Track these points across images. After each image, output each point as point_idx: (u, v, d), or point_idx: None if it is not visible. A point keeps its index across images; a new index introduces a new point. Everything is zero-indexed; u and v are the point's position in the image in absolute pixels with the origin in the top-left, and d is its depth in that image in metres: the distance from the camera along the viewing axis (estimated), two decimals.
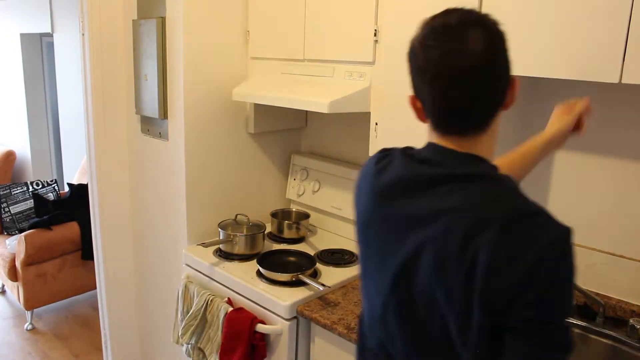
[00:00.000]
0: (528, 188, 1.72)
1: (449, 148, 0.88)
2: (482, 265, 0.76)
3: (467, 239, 0.78)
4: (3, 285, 3.73)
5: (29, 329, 3.25)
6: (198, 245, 1.93)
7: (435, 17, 0.86)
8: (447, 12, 0.86)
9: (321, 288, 1.63)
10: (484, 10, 1.35)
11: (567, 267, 0.78)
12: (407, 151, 0.96)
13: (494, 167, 0.89)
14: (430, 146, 0.92)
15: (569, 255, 0.77)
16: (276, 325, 1.64)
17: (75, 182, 3.69)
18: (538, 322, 0.76)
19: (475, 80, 0.82)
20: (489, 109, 0.86)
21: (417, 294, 0.86)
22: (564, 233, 0.78)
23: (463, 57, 0.81)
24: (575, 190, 1.59)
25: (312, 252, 1.94)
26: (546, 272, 0.75)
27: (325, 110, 1.60)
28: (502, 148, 1.58)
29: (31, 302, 3.17)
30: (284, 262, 1.88)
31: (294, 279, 1.71)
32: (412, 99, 0.93)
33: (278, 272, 1.73)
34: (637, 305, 1.49)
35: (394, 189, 0.91)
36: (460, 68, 0.81)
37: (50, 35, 4.21)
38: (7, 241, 3.33)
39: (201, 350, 1.83)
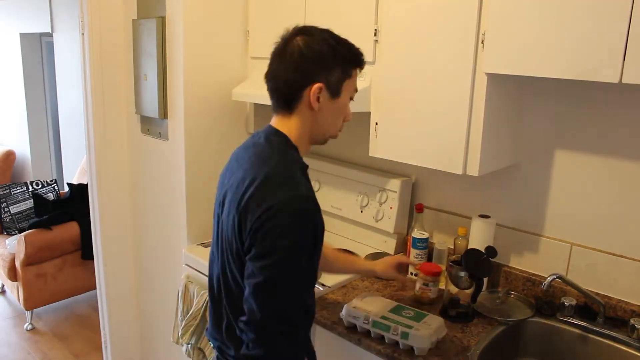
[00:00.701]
0: (530, 187, 1.73)
1: (268, 125, 1.18)
2: (243, 207, 1.06)
3: (244, 188, 1.08)
4: (3, 285, 3.73)
5: (28, 329, 3.25)
6: (198, 245, 1.93)
7: None
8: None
9: (321, 288, 1.63)
10: (485, 9, 1.36)
11: (279, 223, 1.01)
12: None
13: (284, 140, 1.15)
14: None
15: (284, 215, 1.01)
16: None
17: (75, 182, 3.69)
18: (254, 258, 1.03)
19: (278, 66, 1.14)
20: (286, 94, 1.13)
21: (222, 220, 1.17)
22: (285, 198, 1.02)
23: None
24: (575, 190, 1.59)
25: None
26: (265, 223, 1.01)
27: None
28: (502, 146, 1.58)
29: (31, 302, 3.17)
30: None
31: None
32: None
33: None
34: (638, 305, 1.49)
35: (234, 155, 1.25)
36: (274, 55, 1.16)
37: (50, 35, 4.21)
38: (7, 241, 3.33)
39: (201, 350, 1.82)
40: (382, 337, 1.41)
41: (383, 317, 1.41)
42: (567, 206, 1.61)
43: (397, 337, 1.36)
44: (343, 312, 1.49)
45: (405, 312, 1.44)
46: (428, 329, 1.36)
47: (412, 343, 1.35)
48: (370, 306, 1.46)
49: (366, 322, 1.42)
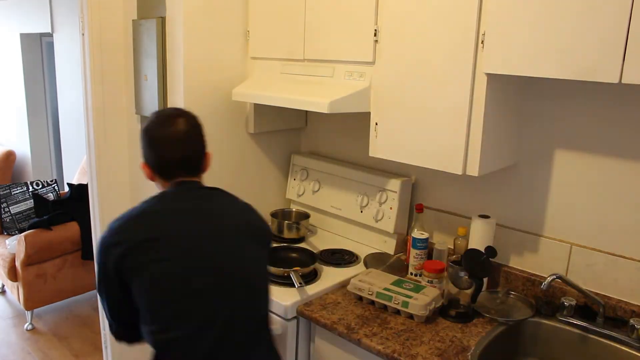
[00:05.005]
0: (530, 187, 1.73)
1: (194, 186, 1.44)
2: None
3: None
4: (3, 286, 3.73)
5: (29, 329, 3.25)
6: None
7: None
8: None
9: (297, 286, 1.65)
10: (485, 9, 1.36)
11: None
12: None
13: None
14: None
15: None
16: (276, 325, 1.64)
17: (75, 182, 3.69)
18: None
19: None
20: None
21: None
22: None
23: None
24: (575, 191, 1.59)
25: None
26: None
27: (325, 111, 1.60)
28: (502, 146, 1.58)
29: (31, 302, 3.17)
30: (284, 258, 1.89)
31: (285, 274, 1.72)
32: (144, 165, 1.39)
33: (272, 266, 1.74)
34: (637, 305, 1.49)
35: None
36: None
37: (50, 35, 4.21)
38: (7, 241, 3.33)
39: None
40: (385, 306, 1.59)
41: (386, 289, 1.58)
42: (566, 206, 1.61)
43: (398, 305, 1.54)
44: (350, 285, 1.65)
45: (406, 285, 1.61)
46: (426, 298, 1.53)
47: (412, 310, 1.52)
48: (374, 279, 1.64)
49: (370, 293, 1.59)
